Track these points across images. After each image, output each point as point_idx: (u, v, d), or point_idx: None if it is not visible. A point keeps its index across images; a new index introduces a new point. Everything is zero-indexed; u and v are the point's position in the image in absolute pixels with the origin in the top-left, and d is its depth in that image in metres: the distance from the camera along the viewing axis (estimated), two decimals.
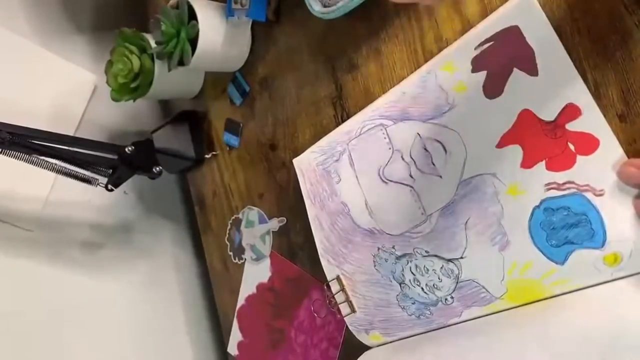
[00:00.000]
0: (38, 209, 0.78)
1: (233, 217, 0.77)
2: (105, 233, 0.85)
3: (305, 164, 0.62)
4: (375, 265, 0.55)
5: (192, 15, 0.64)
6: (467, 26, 0.47)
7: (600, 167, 0.39)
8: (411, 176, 0.51)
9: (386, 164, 0.53)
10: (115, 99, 0.76)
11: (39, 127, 0.66)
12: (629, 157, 0.38)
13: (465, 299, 0.48)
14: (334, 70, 0.60)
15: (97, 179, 0.72)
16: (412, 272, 0.52)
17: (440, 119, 0.49)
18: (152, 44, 0.71)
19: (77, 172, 0.70)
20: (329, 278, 0.59)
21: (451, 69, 0.48)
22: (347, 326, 0.58)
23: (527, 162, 0.43)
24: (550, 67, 0.42)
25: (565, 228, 0.41)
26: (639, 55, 0.38)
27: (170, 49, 0.66)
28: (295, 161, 0.63)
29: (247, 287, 0.74)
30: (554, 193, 0.41)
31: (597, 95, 0.40)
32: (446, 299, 0.49)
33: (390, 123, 0.53)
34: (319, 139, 0.61)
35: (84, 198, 0.82)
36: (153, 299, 0.87)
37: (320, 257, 0.60)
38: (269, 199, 0.71)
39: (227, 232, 0.78)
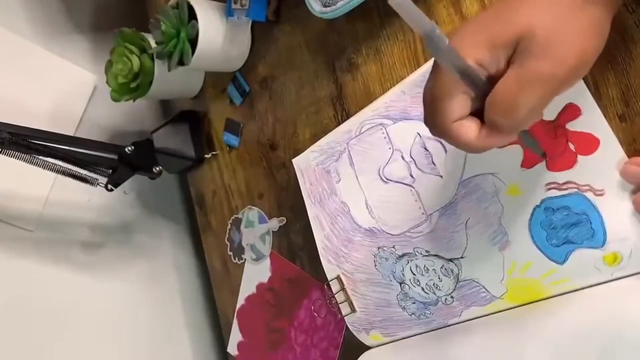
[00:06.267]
0: (38, 209, 0.78)
1: (233, 217, 0.77)
2: (105, 233, 0.85)
3: (305, 163, 0.62)
4: (375, 265, 0.55)
5: (192, 15, 0.64)
6: None
7: (600, 167, 0.39)
8: (411, 176, 0.51)
9: (386, 164, 0.53)
10: (115, 99, 0.76)
11: (39, 127, 0.66)
12: (629, 157, 0.38)
13: (465, 298, 0.48)
14: (334, 70, 0.60)
15: (97, 179, 0.72)
16: (412, 272, 0.52)
17: None
18: (152, 44, 0.71)
19: (77, 172, 0.70)
20: (329, 278, 0.59)
21: None
22: (347, 326, 0.58)
23: (528, 162, 0.43)
24: None
25: (566, 227, 0.41)
26: (639, 55, 0.38)
27: (170, 49, 0.66)
28: (294, 161, 0.63)
29: (247, 287, 0.74)
30: (554, 193, 0.41)
31: (598, 95, 0.40)
32: (446, 299, 0.49)
33: (389, 122, 0.53)
34: (319, 139, 0.61)
35: (84, 198, 0.82)
36: (153, 299, 0.87)
37: (320, 256, 0.60)
38: (269, 199, 0.71)
39: (227, 232, 0.78)
